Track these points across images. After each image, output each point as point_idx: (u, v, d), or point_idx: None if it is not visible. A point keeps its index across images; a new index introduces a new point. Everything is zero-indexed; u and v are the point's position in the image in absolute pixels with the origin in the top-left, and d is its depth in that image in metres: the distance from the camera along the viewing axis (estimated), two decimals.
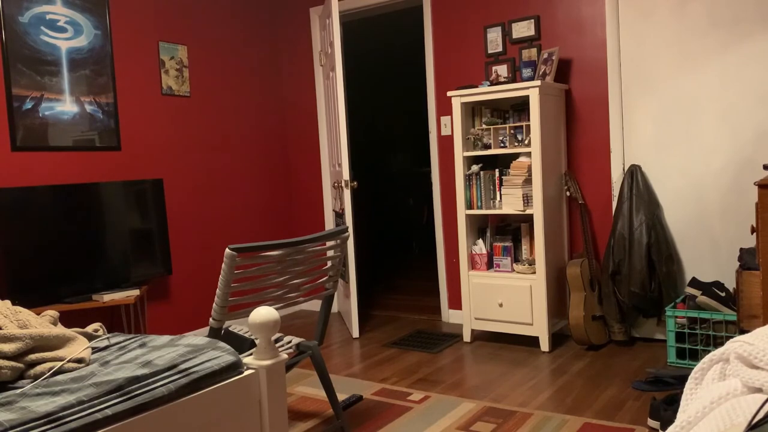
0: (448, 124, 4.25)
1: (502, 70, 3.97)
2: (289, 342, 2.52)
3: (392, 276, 6.32)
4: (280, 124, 4.82)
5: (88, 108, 3.57)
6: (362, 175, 6.87)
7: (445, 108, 4.25)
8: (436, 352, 3.70)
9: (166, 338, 1.81)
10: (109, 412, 1.36)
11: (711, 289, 3.22)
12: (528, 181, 3.57)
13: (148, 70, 3.91)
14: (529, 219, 3.70)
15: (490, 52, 4.03)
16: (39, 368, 1.54)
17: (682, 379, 2.89)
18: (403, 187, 7.65)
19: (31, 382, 1.49)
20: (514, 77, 3.94)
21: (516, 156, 3.70)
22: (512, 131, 3.69)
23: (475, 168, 3.75)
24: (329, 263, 2.48)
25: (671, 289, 3.43)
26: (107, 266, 3.47)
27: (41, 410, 1.30)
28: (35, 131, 3.34)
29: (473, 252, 3.81)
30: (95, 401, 1.37)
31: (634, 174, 3.54)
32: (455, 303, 4.33)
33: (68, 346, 1.64)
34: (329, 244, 2.39)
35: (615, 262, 3.49)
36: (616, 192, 3.64)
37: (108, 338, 1.88)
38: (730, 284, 3.31)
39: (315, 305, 4.91)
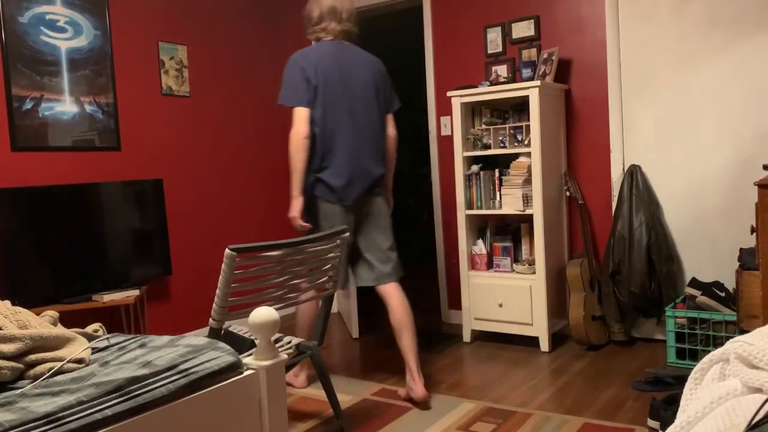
0: (447, 124, 4.25)
1: (501, 70, 3.97)
2: (289, 342, 2.52)
3: None
4: (281, 124, 4.82)
5: (88, 108, 3.57)
6: None
7: (444, 108, 4.25)
8: (436, 352, 3.70)
9: (165, 338, 1.81)
10: (109, 412, 1.36)
11: (711, 289, 3.22)
12: (528, 182, 3.57)
13: (147, 70, 3.91)
14: (528, 219, 3.70)
15: (489, 52, 4.03)
16: (39, 368, 1.54)
17: (682, 380, 2.89)
18: (402, 186, 7.64)
19: (31, 383, 1.49)
20: (513, 77, 3.94)
21: (516, 156, 3.70)
22: (512, 131, 3.69)
23: (474, 168, 3.76)
24: (329, 263, 2.48)
25: (671, 289, 3.43)
26: (107, 266, 3.47)
27: (41, 410, 1.30)
28: (35, 131, 3.34)
29: (473, 252, 3.81)
30: (95, 401, 1.37)
31: (633, 174, 3.54)
32: (455, 303, 4.33)
33: (68, 346, 1.64)
34: (329, 244, 2.39)
35: (615, 263, 3.49)
36: (616, 192, 3.64)
37: (108, 338, 1.87)
38: (730, 284, 3.31)
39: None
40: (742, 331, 2.68)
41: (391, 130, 3.12)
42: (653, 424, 2.46)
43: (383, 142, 3.05)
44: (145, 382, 1.47)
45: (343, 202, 2.92)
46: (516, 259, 3.77)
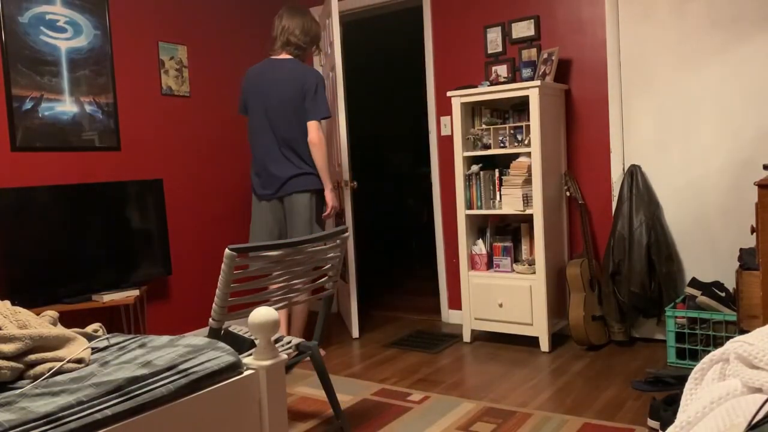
0: (447, 124, 4.25)
1: (501, 70, 3.97)
2: (289, 342, 2.52)
3: (392, 276, 6.32)
4: None
5: (88, 108, 3.57)
6: (362, 175, 6.86)
7: (444, 108, 4.25)
8: (436, 352, 3.70)
9: (165, 338, 1.81)
10: (108, 412, 1.36)
11: (711, 289, 3.22)
12: (528, 181, 3.57)
13: (147, 70, 3.91)
14: (528, 219, 3.70)
15: (489, 52, 4.03)
16: (39, 368, 1.54)
17: (682, 380, 2.89)
18: (403, 186, 7.64)
19: (31, 383, 1.49)
20: (513, 77, 3.94)
21: (516, 156, 3.70)
22: (512, 131, 3.69)
23: (474, 168, 3.75)
24: (329, 263, 2.48)
25: (671, 289, 3.43)
26: (107, 266, 3.47)
27: (41, 410, 1.30)
28: (35, 131, 3.34)
29: (473, 252, 3.81)
30: (95, 401, 1.37)
31: (633, 174, 3.54)
32: (455, 303, 4.33)
33: (68, 346, 1.64)
34: (329, 244, 2.39)
35: (615, 262, 3.49)
36: (616, 192, 3.64)
37: (108, 338, 1.87)
38: (730, 284, 3.31)
39: (315, 305, 4.91)
40: (742, 331, 2.68)
41: (311, 136, 3.46)
42: (653, 424, 2.46)
43: (301, 148, 3.49)
44: (145, 382, 1.48)
45: (261, 197, 3.57)
46: (516, 259, 3.77)
